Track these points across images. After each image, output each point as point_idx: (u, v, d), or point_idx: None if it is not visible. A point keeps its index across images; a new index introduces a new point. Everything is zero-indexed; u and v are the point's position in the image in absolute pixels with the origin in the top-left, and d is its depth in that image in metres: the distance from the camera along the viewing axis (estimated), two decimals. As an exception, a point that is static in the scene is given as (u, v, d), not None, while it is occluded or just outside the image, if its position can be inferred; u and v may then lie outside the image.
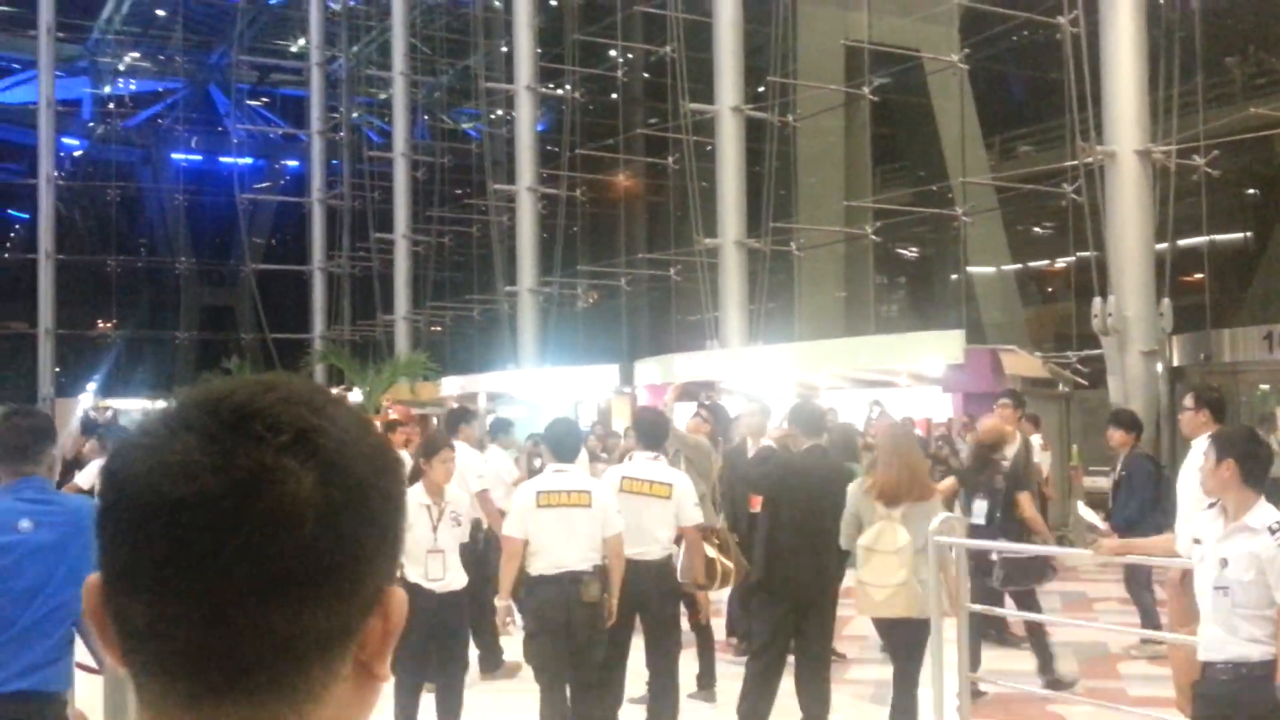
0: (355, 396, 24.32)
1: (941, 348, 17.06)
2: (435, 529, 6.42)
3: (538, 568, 6.15)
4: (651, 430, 7.08)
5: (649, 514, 6.58)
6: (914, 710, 6.25)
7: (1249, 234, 23.61)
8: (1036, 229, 27.74)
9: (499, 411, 17.40)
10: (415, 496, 6.42)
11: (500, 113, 32.91)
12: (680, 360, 22.37)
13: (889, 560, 5.99)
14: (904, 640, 6.25)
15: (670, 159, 28.47)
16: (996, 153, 26.92)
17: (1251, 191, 24.74)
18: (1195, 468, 5.86)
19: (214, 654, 0.81)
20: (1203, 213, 18.16)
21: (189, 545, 0.80)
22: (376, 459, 0.87)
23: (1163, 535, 5.74)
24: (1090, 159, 16.59)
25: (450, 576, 6.45)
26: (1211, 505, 4.34)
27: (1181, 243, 18.71)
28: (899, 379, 18.10)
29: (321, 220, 40.33)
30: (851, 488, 6.38)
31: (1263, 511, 4.15)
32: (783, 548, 6.45)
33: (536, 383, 24.94)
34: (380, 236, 35.99)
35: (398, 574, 0.91)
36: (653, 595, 6.61)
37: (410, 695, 6.38)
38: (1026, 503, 8.00)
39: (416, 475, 6.70)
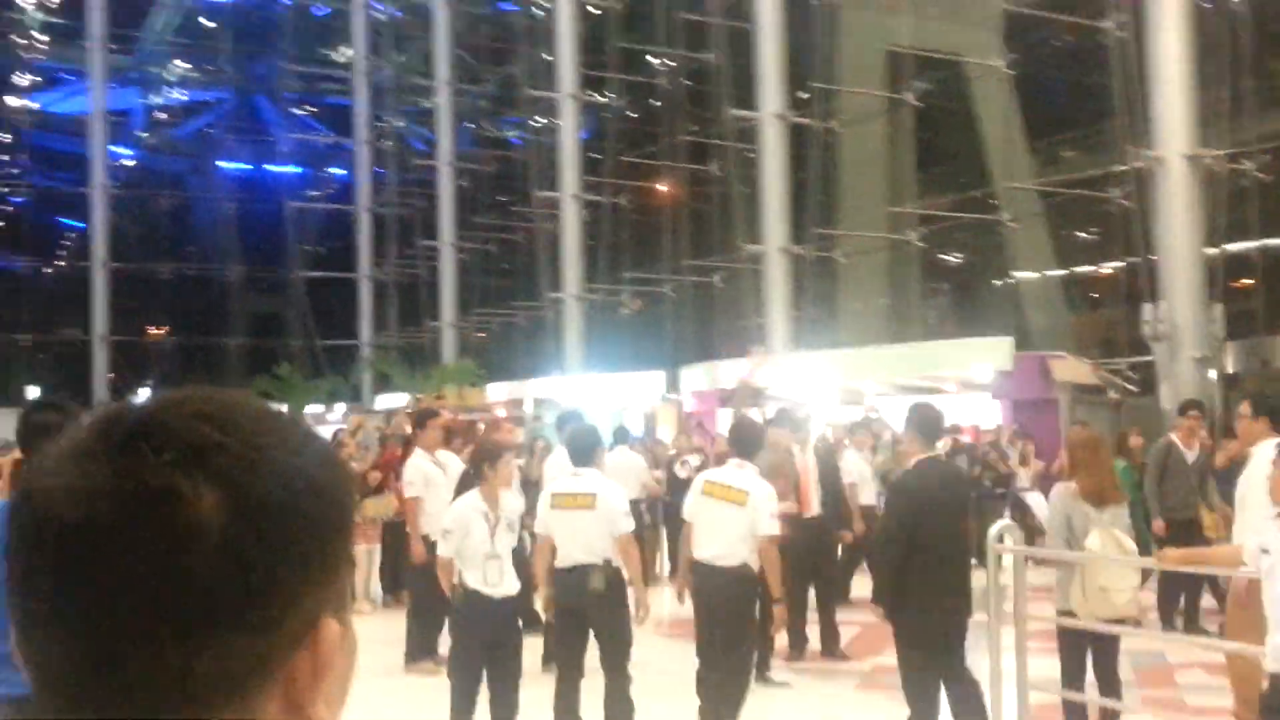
0: (401, 401, 24.51)
1: (990, 354, 16.98)
2: (492, 535, 6.50)
3: (557, 562, 6.70)
4: (744, 437, 7.16)
5: (724, 519, 6.72)
6: None
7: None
8: (1083, 234, 27.54)
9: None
10: (472, 503, 6.54)
11: (544, 121, 33.08)
12: (726, 366, 22.35)
13: (1125, 568, 6.05)
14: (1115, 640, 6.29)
15: (714, 165, 28.50)
16: (1041, 158, 26.74)
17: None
18: (1260, 475, 5.83)
19: (104, 697, 0.73)
20: (1254, 217, 17.99)
21: (75, 575, 0.72)
22: (299, 479, 0.77)
23: (1230, 545, 5.70)
24: (1138, 164, 16.49)
25: (507, 582, 6.53)
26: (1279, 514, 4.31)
27: (1232, 248, 18.53)
28: (946, 385, 18.01)
29: (368, 228, 40.84)
30: (1057, 492, 6.38)
31: (1330, 520, 4.14)
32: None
33: (582, 389, 25.02)
34: (426, 244, 36.28)
35: (343, 604, 0.81)
36: (720, 601, 6.74)
37: (466, 699, 6.45)
38: None
39: (470, 482, 6.80)
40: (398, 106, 41.70)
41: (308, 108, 47.98)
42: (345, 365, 37.72)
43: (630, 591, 6.75)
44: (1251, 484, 6.17)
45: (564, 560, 6.63)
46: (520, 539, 8.00)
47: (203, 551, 0.72)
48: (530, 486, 10.80)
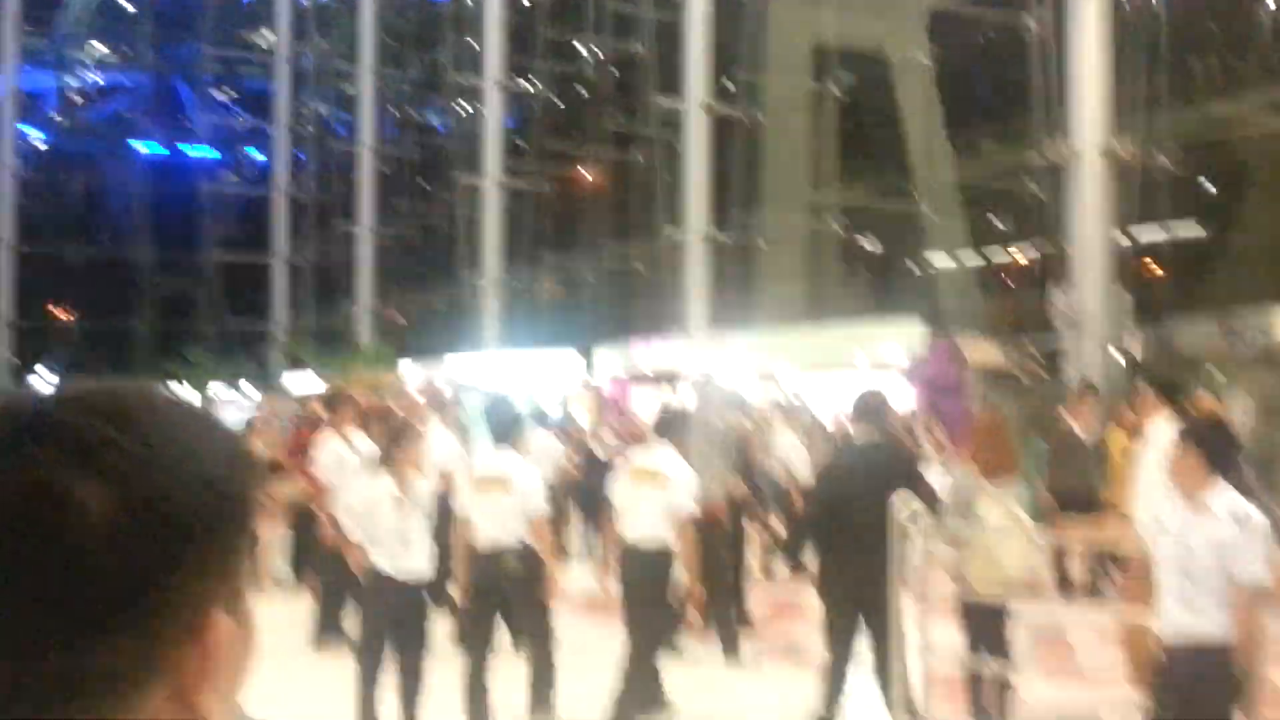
0: (318, 385, 24.22)
1: (903, 337, 17.22)
2: (401, 517, 6.43)
3: (476, 544, 6.69)
4: (667, 420, 7.41)
5: (646, 501, 6.91)
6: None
7: (1207, 229, 23.89)
8: (998, 223, 27.95)
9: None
10: (381, 485, 6.46)
11: (469, 108, 32.86)
12: (641, 347, 22.43)
13: (1018, 540, 6.26)
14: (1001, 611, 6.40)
15: (638, 153, 28.50)
16: (960, 149, 27.09)
17: (1210, 188, 25.03)
18: (1155, 453, 5.95)
19: None
20: (1163, 208, 18.39)
21: None
22: (194, 476, 0.76)
23: (1124, 519, 5.82)
24: (1054, 155, 16.79)
25: (417, 564, 6.47)
26: (1175, 491, 4.39)
27: (1141, 237, 18.93)
28: (860, 367, 18.21)
29: (285, 211, 40.27)
30: (957, 469, 6.68)
31: (1225, 498, 4.22)
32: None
33: (498, 366, 24.95)
34: (344, 228, 35.89)
35: (237, 597, 0.80)
36: (643, 580, 6.88)
37: (372, 680, 6.39)
38: None
39: (385, 462, 6.73)
40: (320, 91, 41.16)
41: (227, 91, 47.20)
42: (258, 349, 37.24)
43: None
44: (1147, 461, 6.30)
45: (482, 542, 6.70)
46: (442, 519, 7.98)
47: (88, 550, 0.70)
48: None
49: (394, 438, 6.75)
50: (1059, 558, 9.44)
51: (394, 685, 6.40)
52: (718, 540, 8.58)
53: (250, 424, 13.90)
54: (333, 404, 10.68)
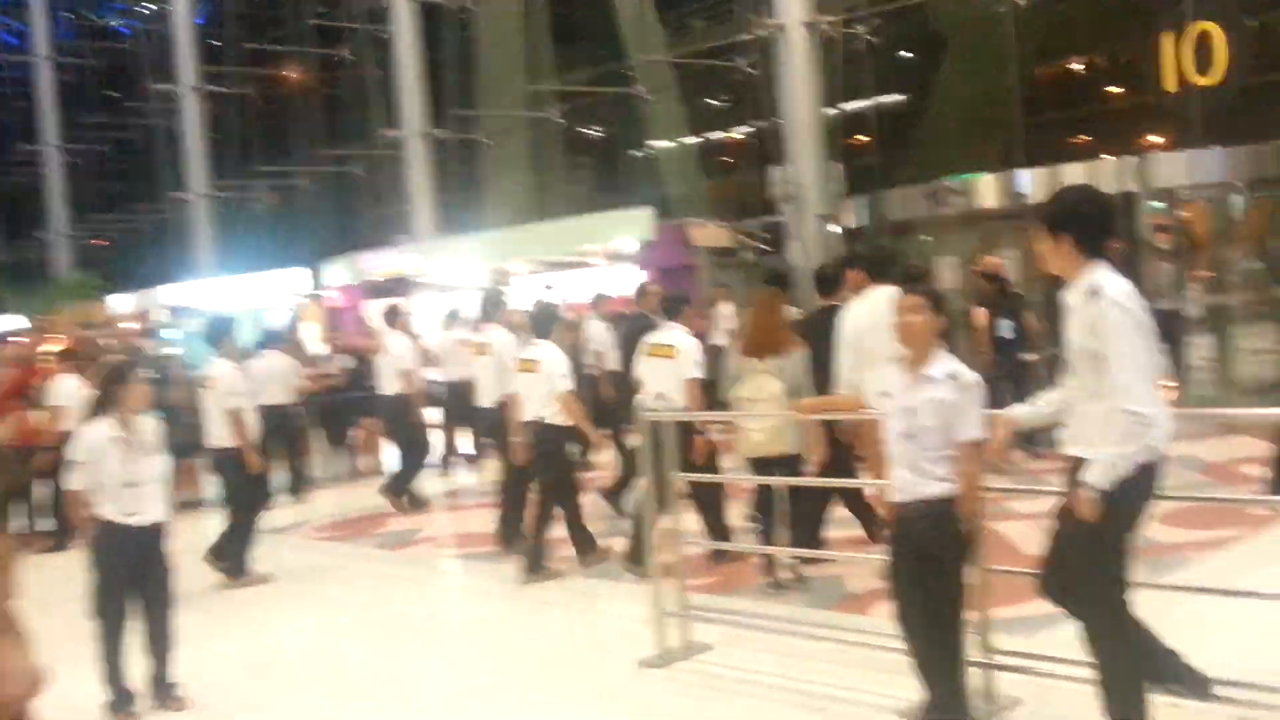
0: (16, 323, 22.52)
1: (633, 225, 17.37)
2: (129, 462, 6.03)
3: None
4: (539, 317, 8.32)
5: (530, 385, 7.99)
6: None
7: (910, 97, 25.04)
8: (714, 102, 28.44)
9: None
10: (104, 430, 6.01)
11: (154, 7, 30.60)
12: (370, 258, 21.85)
13: (765, 407, 6.76)
14: (783, 475, 6.86)
15: (345, 49, 27.36)
16: (672, 29, 27.26)
17: (910, 56, 26.19)
18: (876, 323, 6.25)
19: None
20: (867, 79, 19.11)
21: None
22: None
23: (855, 391, 6.07)
24: (761, 32, 17.10)
25: (149, 510, 6.09)
26: (899, 359, 4.58)
27: (849, 108, 19.65)
28: (593, 259, 18.31)
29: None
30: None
31: (944, 363, 4.44)
32: None
33: (219, 293, 23.80)
34: (27, 148, 33.07)
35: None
36: (540, 453, 8.11)
37: (115, 638, 6.01)
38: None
39: (105, 404, 6.21)
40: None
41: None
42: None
43: None
44: (862, 331, 6.58)
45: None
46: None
47: None
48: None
49: (112, 377, 6.28)
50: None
51: (143, 642, 6.06)
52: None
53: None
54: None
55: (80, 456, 6.05)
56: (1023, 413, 4.44)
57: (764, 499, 7.15)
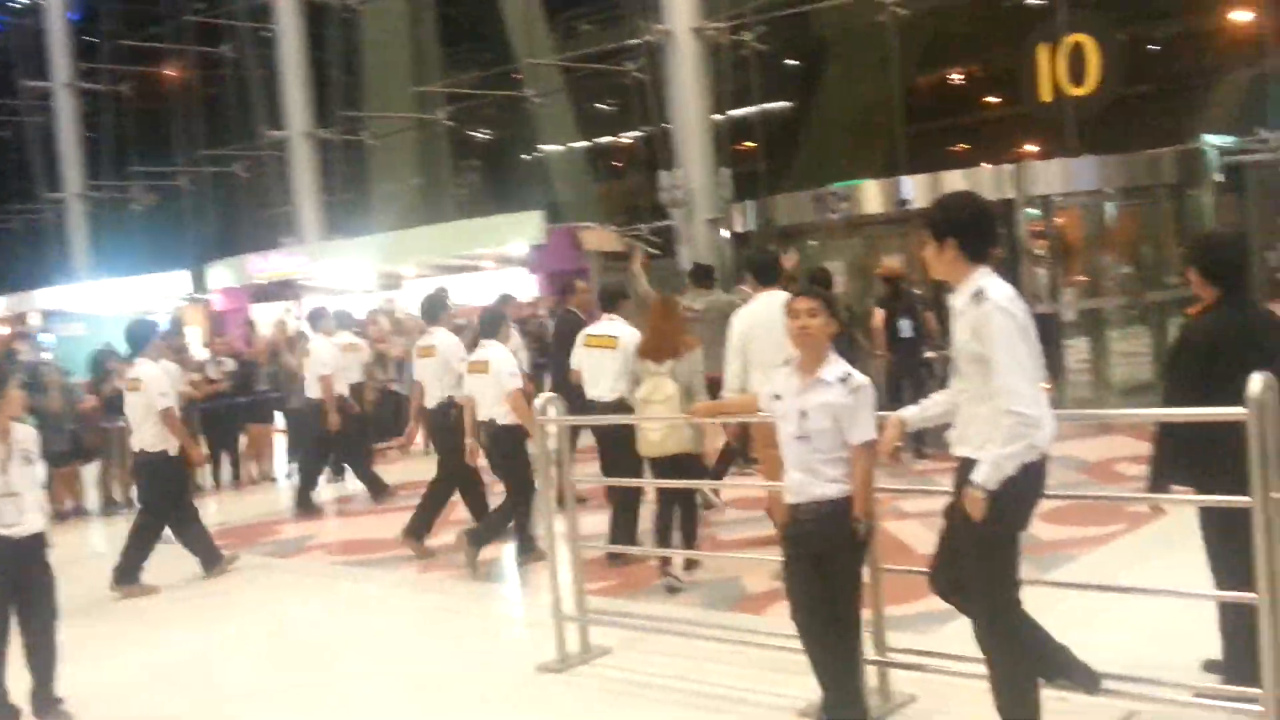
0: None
1: (523, 229, 17.34)
2: (4, 471, 5.83)
3: None
4: (488, 319, 8.44)
5: (482, 385, 8.04)
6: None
7: (796, 104, 25.38)
8: (603, 107, 28.48)
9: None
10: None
11: (25, 1, 29.57)
12: (254, 260, 21.43)
13: (660, 409, 6.90)
14: (681, 475, 6.98)
15: (227, 47, 26.75)
16: (561, 33, 27.24)
17: (796, 63, 26.55)
18: (764, 326, 6.36)
19: None
20: (754, 85, 19.31)
21: None
22: None
23: (748, 394, 6.16)
24: (649, 37, 17.21)
25: (27, 520, 5.90)
26: (793, 362, 4.65)
27: (736, 114, 19.83)
28: (484, 263, 18.24)
29: None
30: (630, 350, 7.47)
31: (834, 366, 4.52)
32: None
33: (96, 297, 23.10)
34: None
35: None
36: (494, 452, 8.28)
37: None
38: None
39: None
40: None
41: None
42: None
43: None
44: (750, 334, 6.69)
45: None
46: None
47: None
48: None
49: (-13, 383, 6.06)
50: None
51: (24, 657, 5.86)
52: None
53: None
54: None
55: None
56: (911, 414, 4.52)
57: (662, 499, 7.19)
